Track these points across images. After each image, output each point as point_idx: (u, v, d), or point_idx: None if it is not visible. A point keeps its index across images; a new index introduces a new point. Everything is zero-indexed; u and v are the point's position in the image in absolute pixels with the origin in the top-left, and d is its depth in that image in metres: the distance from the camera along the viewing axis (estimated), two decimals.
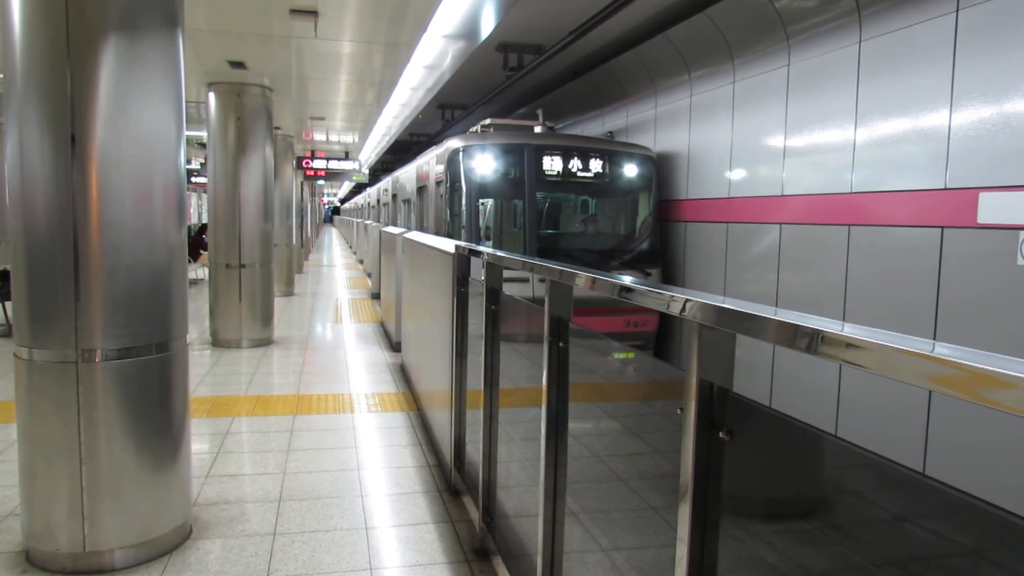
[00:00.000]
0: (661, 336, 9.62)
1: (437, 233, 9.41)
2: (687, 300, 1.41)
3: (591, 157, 9.43)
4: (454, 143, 9.40)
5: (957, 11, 5.30)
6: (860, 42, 6.27)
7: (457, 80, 10.10)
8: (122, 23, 3.04)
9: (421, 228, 11.38)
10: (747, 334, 1.28)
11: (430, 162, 10.90)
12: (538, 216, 9.48)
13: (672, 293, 1.53)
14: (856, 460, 1.31)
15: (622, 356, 2.25)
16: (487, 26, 6.48)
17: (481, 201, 9.54)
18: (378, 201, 22.77)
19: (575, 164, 9.36)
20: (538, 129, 10.24)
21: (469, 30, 6.59)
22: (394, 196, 16.75)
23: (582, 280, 2.05)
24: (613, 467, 2.70)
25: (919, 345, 0.90)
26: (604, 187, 9.65)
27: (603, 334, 2.21)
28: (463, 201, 9.10)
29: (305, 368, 7.44)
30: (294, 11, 5.72)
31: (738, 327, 1.32)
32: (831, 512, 1.49)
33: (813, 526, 1.57)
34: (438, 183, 10.00)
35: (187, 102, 8.11)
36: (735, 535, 1.48)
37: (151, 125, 3.16)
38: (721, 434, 1.38)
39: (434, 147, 10.98)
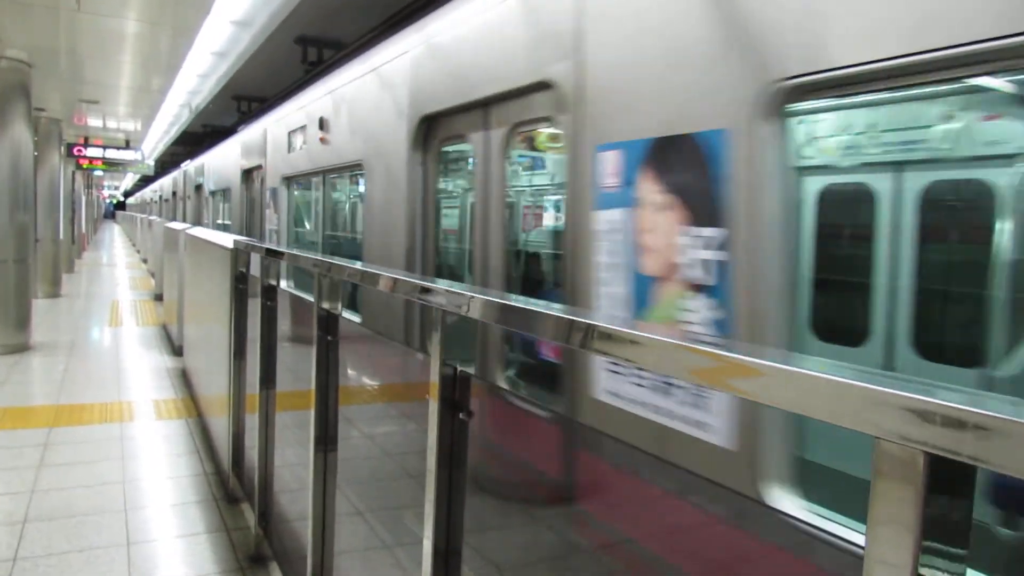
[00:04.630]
0: None
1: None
2: (422, 286, 1.47)
3: None
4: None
5: None
6: None
7: (253, 71, 9.60)
8: None
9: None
10: (490, 320, 1.37)
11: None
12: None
13: (422, 283, 1.58)
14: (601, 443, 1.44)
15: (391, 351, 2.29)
16: (280, 15, 6.23)
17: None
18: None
19: None
20: None
21: (261, 18, 6.30)
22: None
23: (349, 273, 2.05)
24: (402, 463, 2.73)
25: (672, 335, 0.90)
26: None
27: (373, 331, 2.23)
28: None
29: (68, 376, 6.63)
30: None
31: (482, 315, 1.40)
32: (572, 492, 1.62)
33: (557, 507, 1.71)
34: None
35: None
36: (477, 512, 1.57)
37: None
38: (462, 415, 1.46)
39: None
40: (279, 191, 6.98)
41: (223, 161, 10.67)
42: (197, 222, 12.85)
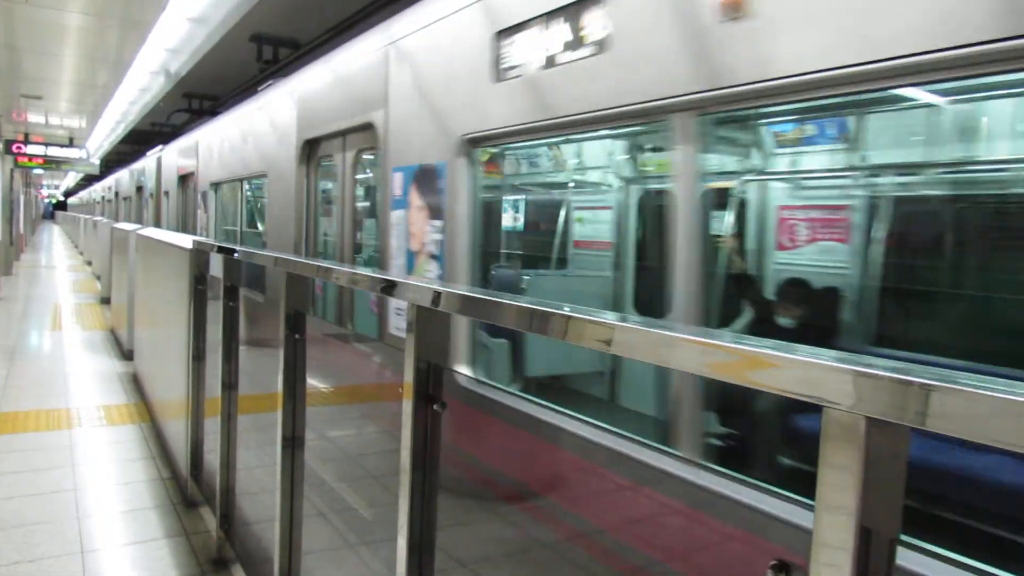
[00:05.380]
0: None
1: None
2: (396, 283, 1.52)
3: None
4: None
5: None
6: None
7: (206, 69, 9.43)
8: None
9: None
10: (467, 314, 1.42)
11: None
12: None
13: (389, 279, 1.63)
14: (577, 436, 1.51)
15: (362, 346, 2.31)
16: (237, 13, 6.16)
17: None
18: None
19: None
20: None
21: (218, 15, 6.21)
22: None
23: (317, 271, 2.08)
24: (365, 464, 2.75)
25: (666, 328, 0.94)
26: None
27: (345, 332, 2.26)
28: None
29: (11, 383, 6.41)
30: None
31: (452, 308, 1.45)
32: (549, 483, 1.69)
33: (530, 499, 1.78)
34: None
35: None
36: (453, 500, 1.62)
37: None
38: (435, 407, 1.51)
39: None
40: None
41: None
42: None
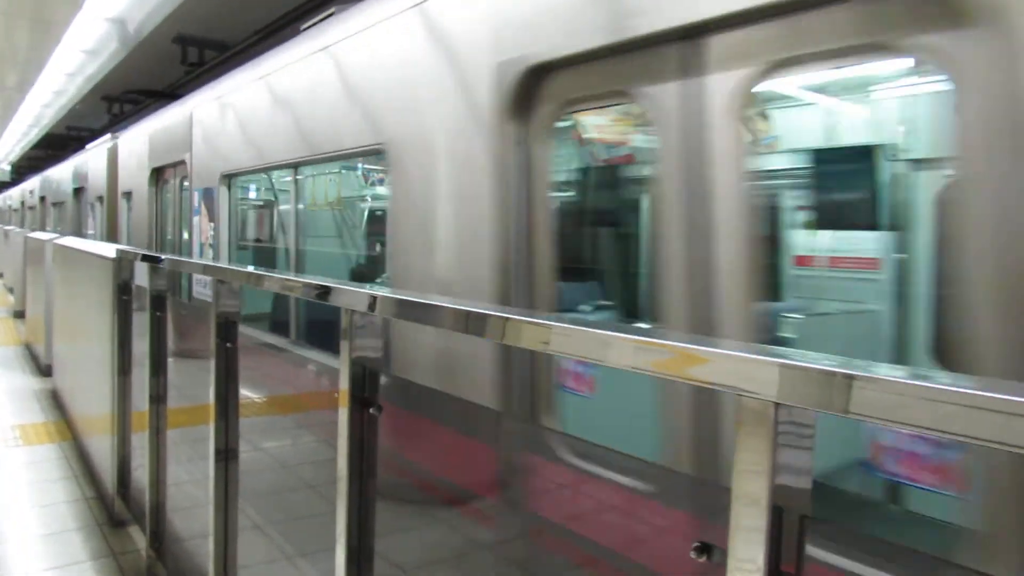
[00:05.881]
0: None
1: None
2: (330, 288, 1.52)
3: None
4: None
5: None
6: None
7: (127, 71, 9.07)
8: None
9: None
10: (403, 318, 1.43)
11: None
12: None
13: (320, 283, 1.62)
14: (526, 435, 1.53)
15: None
16: (159, 13, 5.96)
17: None
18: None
19: None
20: None
21: (138, 15, 6.00)
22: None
23: (248, 278, 2.04)
24: (302, 474, 2.71)
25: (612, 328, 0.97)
26: None
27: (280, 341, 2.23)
28: None
29: None
30: None
31: (387, 312, 1.46)
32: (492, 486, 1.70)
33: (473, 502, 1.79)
34: None
35: None
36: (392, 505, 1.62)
37: None
38: (372, 411, 1.51)
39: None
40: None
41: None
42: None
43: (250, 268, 2.21)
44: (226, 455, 2.33)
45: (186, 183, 5.86)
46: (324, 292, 1.63)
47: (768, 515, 0.67)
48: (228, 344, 2.21)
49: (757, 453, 0.68)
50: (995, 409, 0.54)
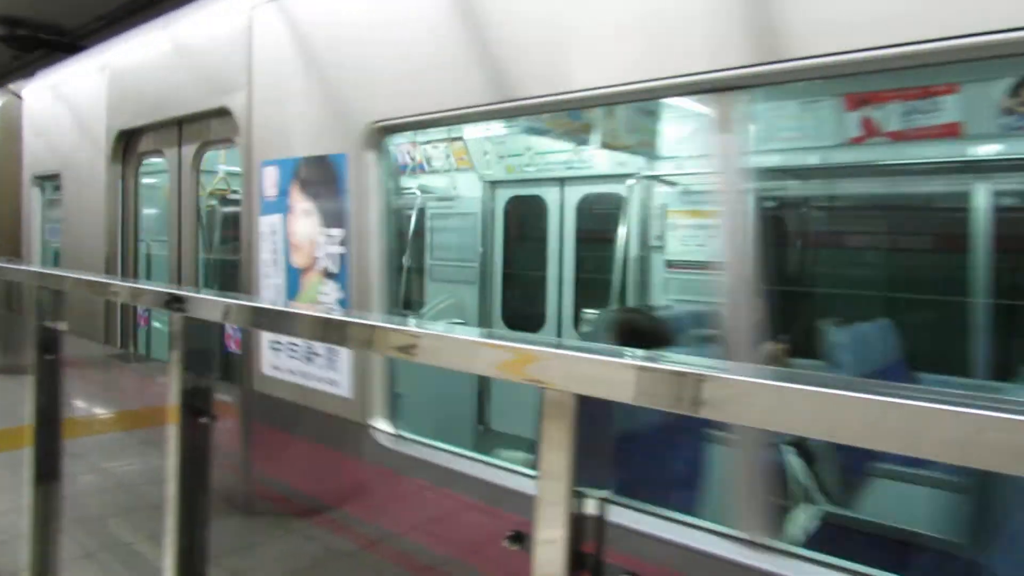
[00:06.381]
0: None
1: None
2: (172, 295, 1.45)
3: None
4: None
5: None
6: None
7: None
8: None
9: None
10: (258, 327, 1.38)
11: None
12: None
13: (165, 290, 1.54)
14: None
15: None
16: None
17: None
18: None
19: None
20: None
21: None
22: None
23: (73, 283, 1.89)
24: (144, 492, 2.53)
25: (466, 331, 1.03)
26: None
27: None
28: None
29: None
30: None
31: (244, 320, 1.40)
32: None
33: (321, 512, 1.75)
34: None
35: None
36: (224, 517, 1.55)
37: None
38: (203, 420, 1.44)
39: None
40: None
41: (43, 118, 7.83)
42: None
43: (77, 275, 2.05)
44: (47, 478, 2.13)
45: (216, 151, 4.01)
46: (174, 300, 1.54)
47: (568, 499, 0.71)
48: (49, 356, 2.03)
49: (559, 442, 0.72)
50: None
